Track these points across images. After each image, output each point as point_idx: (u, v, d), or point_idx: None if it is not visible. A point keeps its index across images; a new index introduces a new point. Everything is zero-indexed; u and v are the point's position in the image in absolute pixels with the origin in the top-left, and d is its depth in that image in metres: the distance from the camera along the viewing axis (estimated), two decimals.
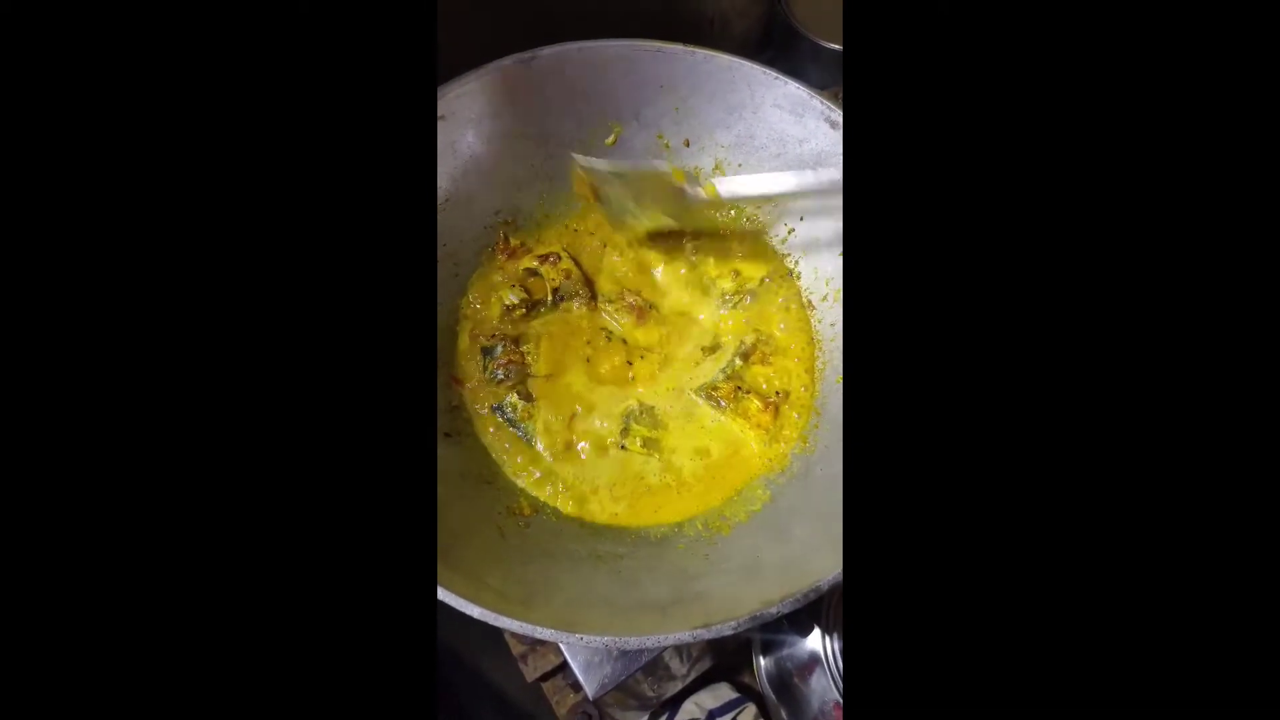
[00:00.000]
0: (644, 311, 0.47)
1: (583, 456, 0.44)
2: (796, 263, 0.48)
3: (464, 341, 0.46)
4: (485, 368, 0.45)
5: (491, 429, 0.44)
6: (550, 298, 0.47)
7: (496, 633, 0.51)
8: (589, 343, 0.46)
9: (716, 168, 0.49)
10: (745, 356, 0.46)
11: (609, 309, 0.47)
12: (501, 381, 0.45)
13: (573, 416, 0.45)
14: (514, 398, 0.44)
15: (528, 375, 0.45)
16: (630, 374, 0.46)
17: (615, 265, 0.49)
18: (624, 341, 0.47)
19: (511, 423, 0.44)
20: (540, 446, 0.44)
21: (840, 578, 0.33)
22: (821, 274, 0.47)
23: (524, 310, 0.47)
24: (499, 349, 0.45)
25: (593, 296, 0.48)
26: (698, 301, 0.48)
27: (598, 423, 0.44)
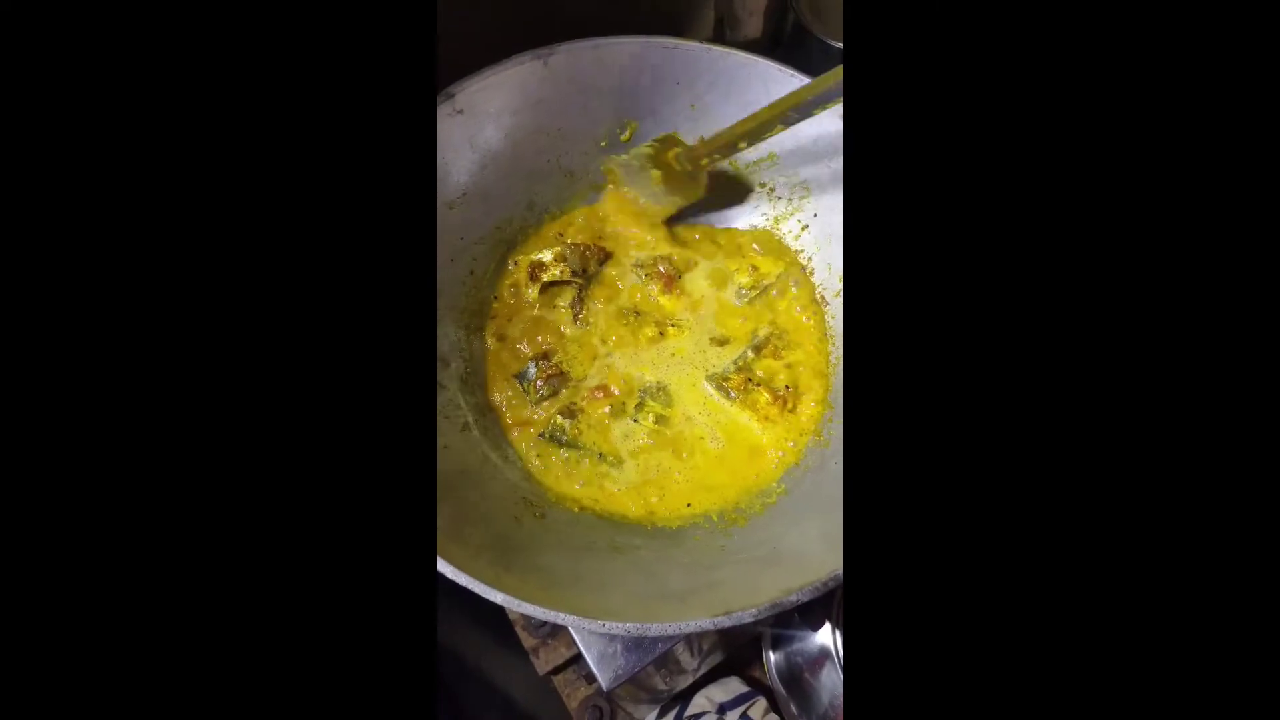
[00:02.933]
0: (672, 280, 0.48)
1: (624, 447, 0.45)
2: (810, 259, 0.49)
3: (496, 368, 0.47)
4: (527, 391, 0.45)
5: (536, 455, 0.44)
6: (569, 277, 0.47)
7: (500, 631, 0.51)
8: (624, 323, 0.47)
9: (731, 163, 0.49)
10: (758, 350, 0.46)
11: (639, 272, 0.48)
12: (548, 398, 0.45)
13: (610, 404, 0.45)
14: (559, 419, 0.44)
15: (569, 382, 0.46)
16: (663, 345, 0.47)
17: (644, 242, 0.50)
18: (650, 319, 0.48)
19: (563, 444, 0.44)
20: (597, 453, 0.44)
21: None
22: (835, 270, 0.47)
23: (573, 300, 0.48)
24: (532, 369, 0.45)
25: (606, 256, 0.49)
26: (716, 293, 0.48)
27: (625, 402, 0.46)
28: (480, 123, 0.45)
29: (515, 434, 0.45)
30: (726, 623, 0.32)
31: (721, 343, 0.47)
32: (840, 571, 0.33)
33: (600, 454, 0.44)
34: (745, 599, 0.33)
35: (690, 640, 0.50)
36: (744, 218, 0.51)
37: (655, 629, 0.33)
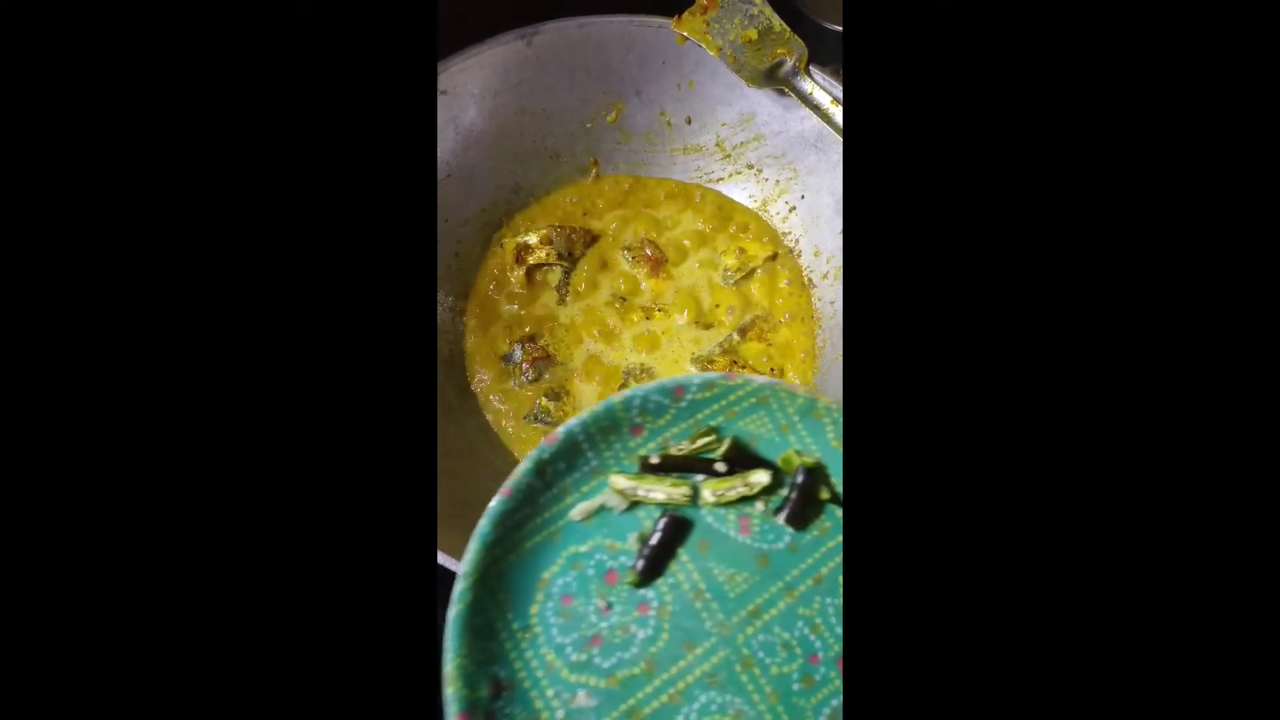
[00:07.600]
0: (659, 264, 0.48)
1: None
2: (797, 241, 0.49)
3: (479, 349, 0.46)
4: (512, 374, 0.45)
5: (521, 437, 0.44)
6: (555, 259, 0.47)
7: None
8: (611, 305, 0.47)
9: (718, 144, 0.49)
10: (743, 332, 0.46)
11: (626, 255, 0.48)
12: (533, 381, 0.45)
13: (595, 386, 0.45)
14: (544, 400, 0.44)
15: (555, 365, 0.46)
16: (649, 327, 0.47)
17: (629, 227, 0.50)
18: (637, 303, 0.47)
19: (548, 426, 0.44)
20: None
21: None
22: (822, 252, 0.47)
23: (559, 283, 0.48)
24: (518, 351, 0.45)
25: (593, 239, 0.49)
26: (703, 276, 0.48)
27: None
28: (463, 103, 0.44)
29: (500, 417, 0.45)
30: None
31: (707, 325, 0.47)
32: None
33: None
34: None
35: None
36: (732, 196, 0.51)
37: None
